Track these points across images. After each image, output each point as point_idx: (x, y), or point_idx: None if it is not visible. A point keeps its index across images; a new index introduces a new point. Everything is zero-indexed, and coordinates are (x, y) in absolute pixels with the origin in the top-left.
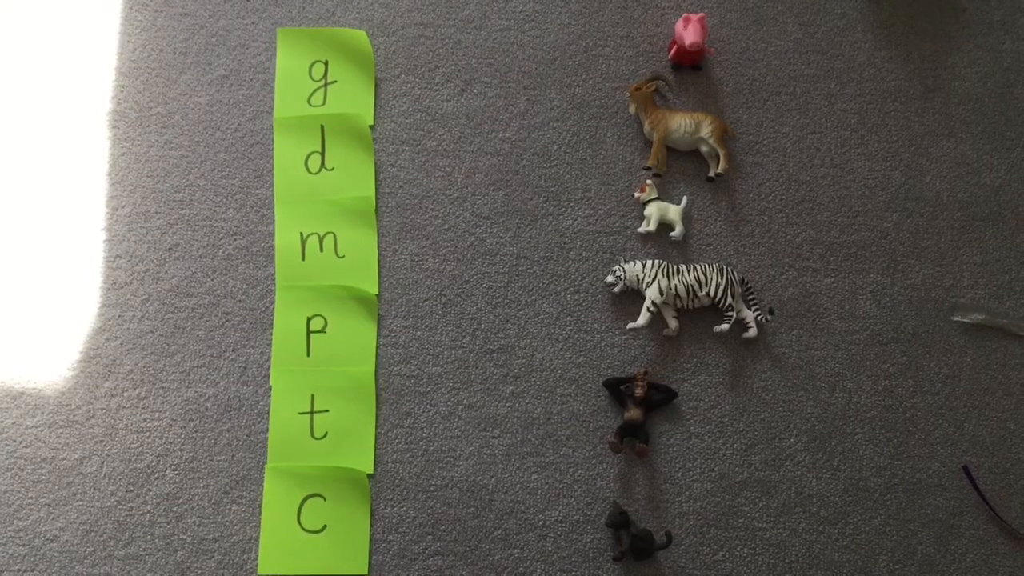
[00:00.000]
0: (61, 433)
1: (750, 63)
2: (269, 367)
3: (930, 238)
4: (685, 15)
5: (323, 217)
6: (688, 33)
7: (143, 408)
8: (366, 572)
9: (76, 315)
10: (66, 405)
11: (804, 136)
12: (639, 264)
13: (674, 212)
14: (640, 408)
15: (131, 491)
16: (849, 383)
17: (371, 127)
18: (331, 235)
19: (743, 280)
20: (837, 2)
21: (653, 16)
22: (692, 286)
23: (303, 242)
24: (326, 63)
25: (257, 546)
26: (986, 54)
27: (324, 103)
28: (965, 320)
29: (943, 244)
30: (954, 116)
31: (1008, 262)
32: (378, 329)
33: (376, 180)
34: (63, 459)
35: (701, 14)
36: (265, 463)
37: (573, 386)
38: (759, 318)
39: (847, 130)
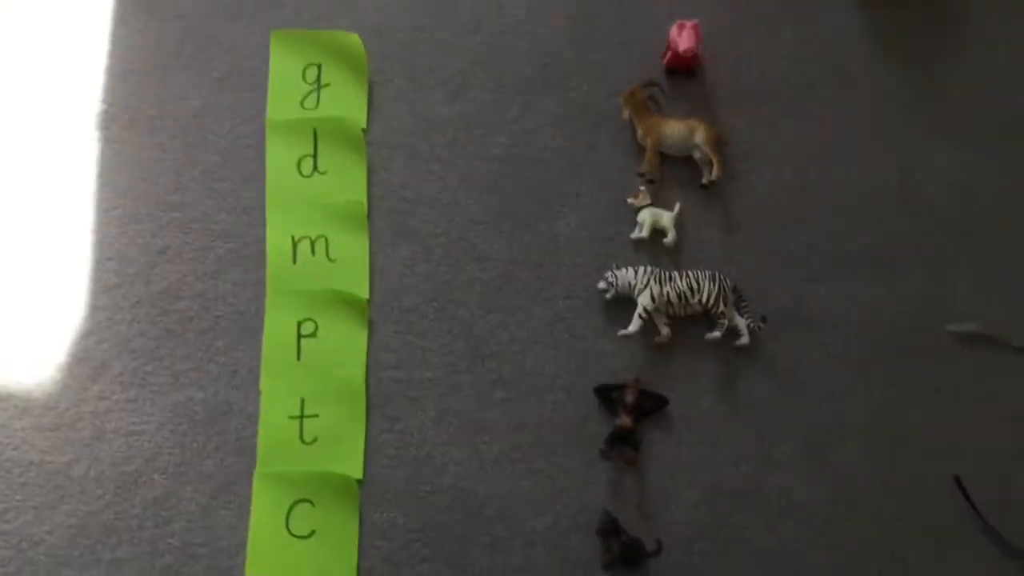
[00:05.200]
0: (49, 436)
1: (744, 69)
2: (259, 371)
3: (925, 247)
4: (679, 21)
5: (315, 221)
6: (682, 39)
7: (132, 411)
8: None
9: (65, 317)
10: (54, 408)
11: (798, 143)
12: (631, 271)
13: (667, 218)
14: (631, 415)
15: (119, 495)
16: (841, 392)
17: (364, 131)
18: (323, 239)
19: (735, 287)
20: (832, 9)
21: (647, 22)
22: (684, 293)
23: (294, 246)
24: (319, 66)
25: (245, 551)
26: (982, 62)
27: (317, 106)
28: (959, 330)
29: (938, 253)
30: (950, 124)
31: (1003, 271)
32: (369, 334)
33: (368, 184)
34: (51, 462)
35: (695, 20)
36: (254, 467)
37: (564, 392)
38: (751, 326)
39: (842, 137)
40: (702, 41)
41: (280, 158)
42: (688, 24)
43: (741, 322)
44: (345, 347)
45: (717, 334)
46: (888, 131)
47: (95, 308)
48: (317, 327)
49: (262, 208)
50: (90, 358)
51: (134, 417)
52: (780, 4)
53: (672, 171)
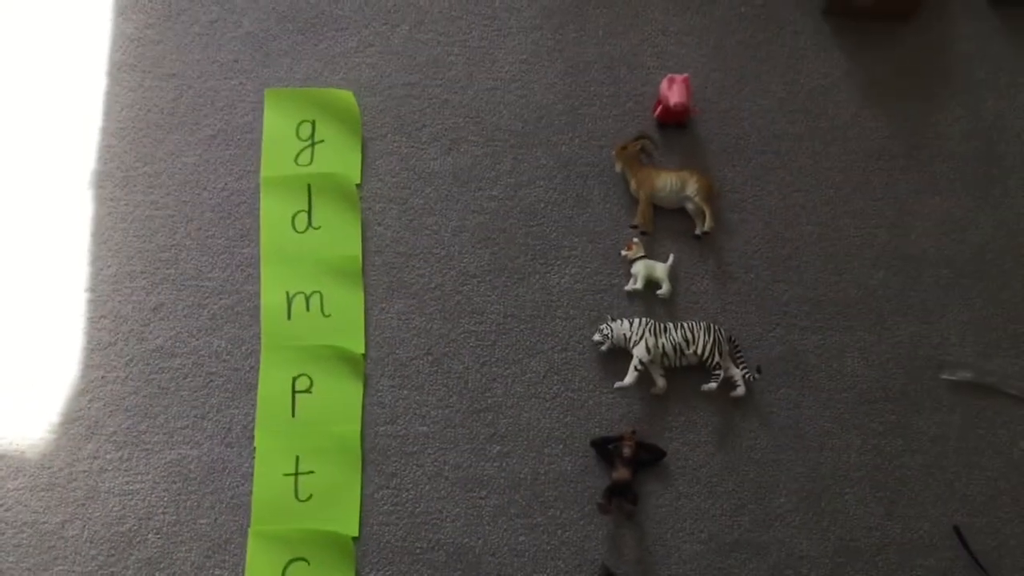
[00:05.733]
0: (42, 496)
1: (735, 122)
2: (254, 428)
3: (916, 296)
4: (669, 75)
5: (309, 276)
6: (673, 93)
7: (125, 471)
8: None
9: (58, 376)
10: (48, 468)
11: (789, 194)
12: (626, 323)
13: (661, 270)
14: (628, 468)
15: (113, 555)
16: (838, 442)
17: (358, 186)
18: (317, 294)
19: (731, 338)
20: (820, 61)
21: (638, 75)
22: (679, 344)
23: (289, 301)
24: (313, 123)
25: None
26: (969, 112)
27: (311, 162)
28: (953, 378)
29: (930, 302)
30: (938, 174)
31: (995, 319)
32: (364, 389)
33: (362, 239)
34: (44, 523)
35: (685, 75)
36: (249, 526)
37: (560, 446)
38: (747, 376)
39: (832, 188)
40: (692, 94)
41: (274, 214)
42: (678, 78)
43: (737, 373)
44: (340, 403)
45: (713, 385)
46: (877, 181)
47: (89, 367)
48: (312, 383)
49: (257, 264)
50: (84, 417)
51: (128, 476)
52: (768, 56)
53: (665, 223)
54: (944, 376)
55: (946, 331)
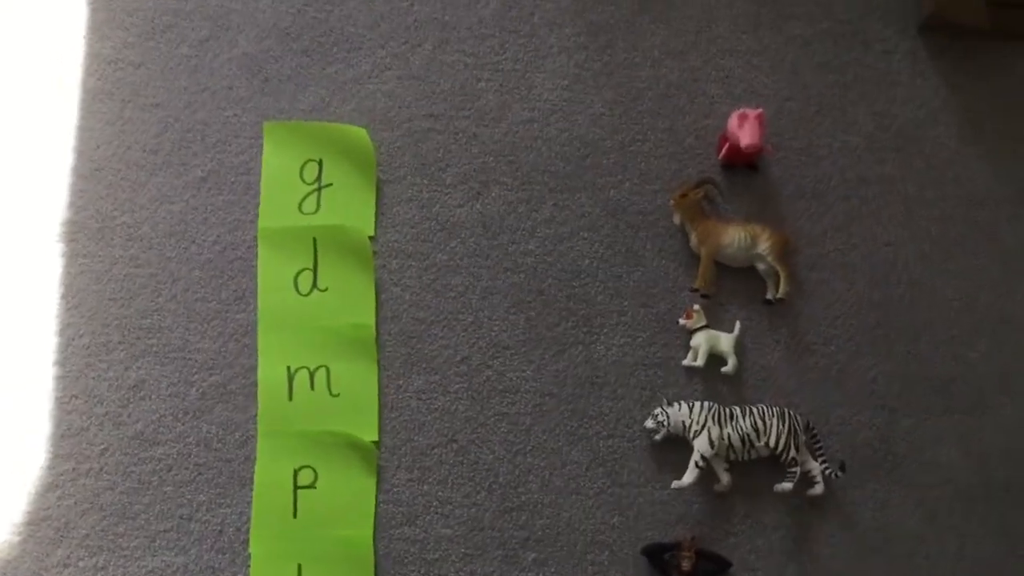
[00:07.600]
0: None
1: (814, 161)
2: (248, 531)
3: None
4: (740, 111)
5: (315, 348)
6: (744, 133)
7: None
8: None
9: (23, 469)
10: None
11: (878, 248)
12: (685, 407)
13: (726, 342)
14: None
15: None
16: (932, 548)
17: (371, 238)
18: (323, 369)
19: (808, 425)
20: (916, 89)
21: (700, 106)
22: (748, 435)
23: (291, 378)
24: (320, 163)
25: None
26: None
27: (317, 210)
28: None
29: None
30: None
31: None
32: (377, 484)
33: (377, 303)
34: None
35: (759, 110)
36: None
37: (607, 553)
38: (827, 472)
39: (928, 242)
40: (766, 132)
41: (274, 273)
42: (751, 114)
43: (815, 467)
44: (350, 501)
45: (788, 486)
46: (980, 233)
47: (58, 457)
48: (317, 476)
49: (253, 333)
50: (52, 517)
51: None
52: (854, 82)
53: (730, 284)
54: None
55: None
